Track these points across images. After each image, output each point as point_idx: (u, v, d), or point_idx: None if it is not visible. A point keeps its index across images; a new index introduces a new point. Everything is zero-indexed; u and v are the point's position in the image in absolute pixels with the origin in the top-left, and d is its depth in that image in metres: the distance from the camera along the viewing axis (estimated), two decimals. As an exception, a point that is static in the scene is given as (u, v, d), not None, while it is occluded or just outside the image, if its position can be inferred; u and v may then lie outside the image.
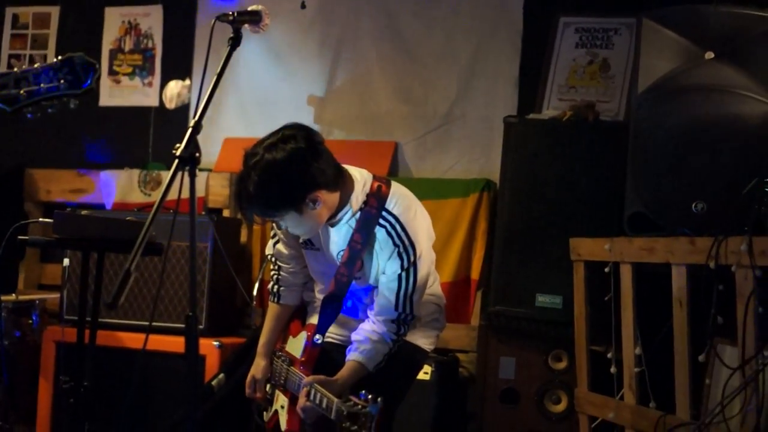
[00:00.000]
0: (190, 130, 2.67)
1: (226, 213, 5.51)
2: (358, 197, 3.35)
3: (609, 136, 4.52)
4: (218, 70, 2.82)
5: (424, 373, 4.56)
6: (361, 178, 3.40)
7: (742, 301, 3.17)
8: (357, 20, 5.75)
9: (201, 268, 4.95)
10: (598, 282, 4.06)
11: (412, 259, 3.33)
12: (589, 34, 5.06)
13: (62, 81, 2.81)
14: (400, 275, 3.34)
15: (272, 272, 3.70)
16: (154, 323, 4.92)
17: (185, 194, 2.65)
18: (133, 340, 4.89)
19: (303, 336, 3.54)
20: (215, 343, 4.79)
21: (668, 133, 3.74)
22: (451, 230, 5.17)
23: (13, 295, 5.21)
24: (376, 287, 3.43)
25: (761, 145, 3.50)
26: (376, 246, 3.35)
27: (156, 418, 4.67)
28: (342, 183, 3.34)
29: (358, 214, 3.35)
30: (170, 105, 5.89)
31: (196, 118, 2.72)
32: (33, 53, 6.41)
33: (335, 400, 3.04)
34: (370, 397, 2.92)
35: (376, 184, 3.40)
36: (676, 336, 3.56)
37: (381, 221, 3.34)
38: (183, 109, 5.91)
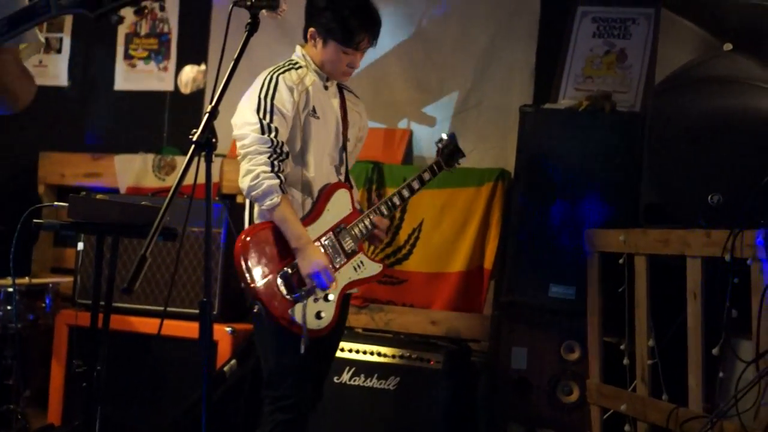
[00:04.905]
0: (207, 116, 2.67)
1: (239, 199, 5.50)
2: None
3: (625, 127, 4.49)
4: (235, 56, 2.82)
5: (436, 362, 4.55)
6: None
7: (757, 295, 3.16)
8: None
9: (214, 254, 4.94)
10: (612, 273, 4.05)
11: None
12: (607, 24, 5.03)
13: None
14: None
15: (267, 163, 3.53)
16: (167, 309, 4.92)
17: (200, 179, 2.65)
18: (145, 325, 4.89)
19: (340, 196, 3.72)
20: (228, 329, 4.79)
21: (685, 125, 3.73)
22: (465, 219, 5.14)
23: (27, 278, 5.23)
24: None
25: (779, 138, 3.49)
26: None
27: (168, 403, 4.67)
28: None
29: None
30: (185, 90, 5.89)
31: (213, 103, 2.72)
32: (48, 36, 6.40)
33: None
34: None
35: None
36: (689, 328, 3.55)
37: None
38: (198, 94, 5.92)
